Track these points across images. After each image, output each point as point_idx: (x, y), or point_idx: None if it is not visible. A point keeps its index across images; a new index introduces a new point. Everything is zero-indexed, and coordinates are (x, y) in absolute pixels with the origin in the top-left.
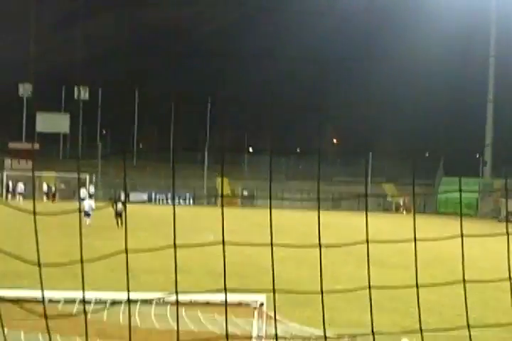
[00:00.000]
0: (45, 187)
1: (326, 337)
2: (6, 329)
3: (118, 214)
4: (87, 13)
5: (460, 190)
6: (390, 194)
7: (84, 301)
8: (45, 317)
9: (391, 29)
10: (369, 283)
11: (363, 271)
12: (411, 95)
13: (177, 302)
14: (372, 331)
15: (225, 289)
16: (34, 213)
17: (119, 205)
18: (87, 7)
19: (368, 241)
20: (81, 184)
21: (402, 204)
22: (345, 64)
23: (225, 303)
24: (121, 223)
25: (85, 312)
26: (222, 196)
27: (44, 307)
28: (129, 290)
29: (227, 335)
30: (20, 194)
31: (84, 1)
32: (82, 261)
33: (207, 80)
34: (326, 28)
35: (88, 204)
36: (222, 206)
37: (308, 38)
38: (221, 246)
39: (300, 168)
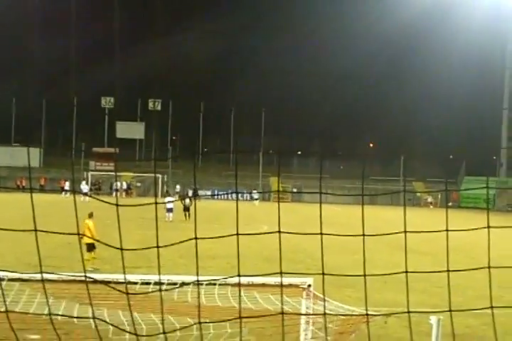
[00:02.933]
0: (124, 185)
1: (367, 314)
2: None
3: (186, 209)
4: (160, 33)
5: (487, 187)
6: (420, 191)
7: (160, 283)
8: (128, 294)
9: (420, 46)
10: (406, 267)
11: (394, 256)
12: (437, 105)
13: (239, 284)
14: (408, 310)
15: (281, 272)
16: (117, 206)
17: (187, 201)
18: (159, 26)
19: (405, 232)
20: (155, 183)
21: (429, 200)
22: (380, 79)
23: (281, 285)
24: (189, 216)
25: (160, 292)
26: (278, 191)
27: (126, 287)
28: (198, 273)
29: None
30: (116, 190)
31: (159, 20)
32: (157, 248)
33: (261, 92)
34: (364, 48)
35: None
36: (279, 201)
37: (347, 55)
38: (275, 235)
39: (341, 168)
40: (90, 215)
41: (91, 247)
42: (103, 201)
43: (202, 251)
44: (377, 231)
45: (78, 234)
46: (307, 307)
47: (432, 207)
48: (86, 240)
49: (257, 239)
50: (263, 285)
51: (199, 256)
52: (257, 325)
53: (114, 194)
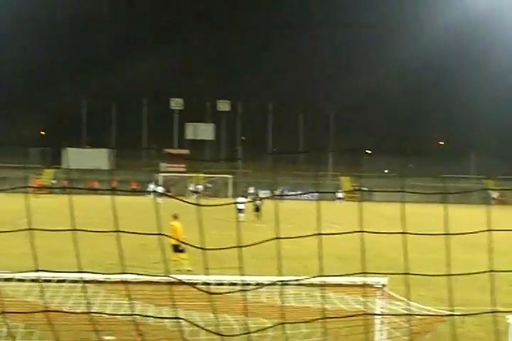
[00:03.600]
0: (198, 186)
1: (452, 315)
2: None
3: (257, 209)
4: (230, 34)
5: None
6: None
7: (242, 284)
8: (210, 293)
9: (492, 40)
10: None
11: (468, 255)
12: (509, 101)
13: (322, 284)
14: (492, 310)
15: (364, 273)
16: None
17: (258, 201)
18: (229, 30)
19: (489, 230)
20: (225, 183)
21: (495, 197)
22: (450, 76)
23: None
24: (259, 217)
25: (244, 292)
26: (360, 191)
27: (208, 288)
28: (279, 275)
29: (373, 313)
30: (194, 192)
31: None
32: (240, 248)
33: (329, 93)
34: (435, 45)
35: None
36: (360, 202)
37: (420, 52)
38: (347, 235)
39: (412, 167)
40: (175, 217)
41: (178, 249)
42: (185, 201)
43: (273, 252)
44: (451, 230)
45: (159, 234)
46: (382, 307)
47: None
48: (172, 241)
49: (329, 238)
50: (337, 285)
51: (271, 256)
52: (332, 325)
53: (192, 195)
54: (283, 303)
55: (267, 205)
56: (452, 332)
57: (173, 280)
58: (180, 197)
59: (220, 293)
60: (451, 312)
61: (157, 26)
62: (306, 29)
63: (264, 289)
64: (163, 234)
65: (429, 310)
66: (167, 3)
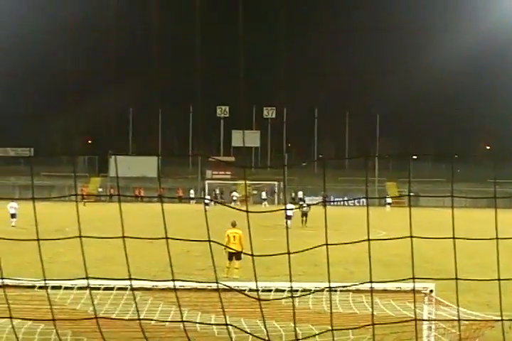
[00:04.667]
0: (237, 194)
1: (502, 319)
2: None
3: (303, 215)
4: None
5: None
6: None
7: (291, 291)
8: (259, 300)
9: None
10: None
11: None
12: None
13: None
14: None
15: (413, 278)
16: (247, 212)
17: (305, 208)
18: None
19: None
20: (272, 190)
21: None
22: (495, 80)
23: (414, 292)
24: (306, 222)
25: (293, 298)
26: (409, 195)
27: (258, 294)
28: (329, 281)
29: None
30: (234, 201)
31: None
32: (289, 254)
33: (374, 96)
34: (482, 49)
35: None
36: (410, 208)
37: (465, 55)
38: (395, 241)
39: (459, 172)
40: (234, 224)
41: (237, 257)
42: (235, 208)
43: (319, 258)
44: (499, 235)
45: (211, 240)
46: (429, 313)
47: None
48: (231, 249)
49: (375, 244)
50: (384, 290)
51: (315, 262)
52: (379, 332)
53: (233, 202)
54: (331, 310)
55: (314, 211)
56: (501, 337)
57: (221, 286)
58: (228, 205)
59: (268, 300)
60: (499, 318)
61: (205, 29)
62: (348, 34)
63: (311, 296)
64: (215, 242)
65: (476, 316)
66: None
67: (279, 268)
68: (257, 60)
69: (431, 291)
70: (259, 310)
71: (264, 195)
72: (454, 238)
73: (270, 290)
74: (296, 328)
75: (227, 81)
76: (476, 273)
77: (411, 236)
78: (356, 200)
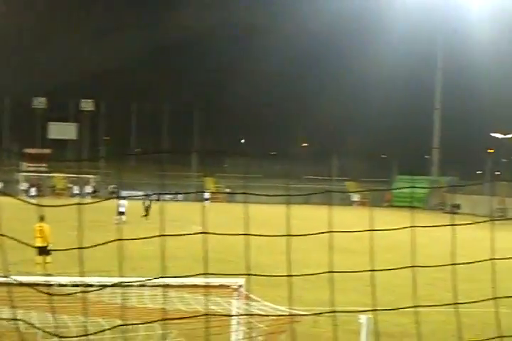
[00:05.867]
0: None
1: (292, 315)
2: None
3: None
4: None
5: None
6: (352, 190)
7: (85, 285)
8: (50, 294)
9: (353, 45)
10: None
11: (326, 256)
12: (370, 104)
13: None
14: (334, 310)
15: (207, 273)
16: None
17: (123, 202)
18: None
19: (331, 231)
20: (86, 183)
21: (355, 199)
22: (313, 79)
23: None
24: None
25: (84, 293)
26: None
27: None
28: (121, 274)
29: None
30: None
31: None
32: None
33: (194, 91)
34: (298, 46)
35: (122, 203)
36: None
37: (284, 55)
38: (206, 236)
39: (275, 168)
40: (42, 218)
41: (44, 251)
42: (26, 201)
43: (134, 252)
44: (308, 231)
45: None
46: (238, 308)
47: (357, 205)
48: (38, 243)
49: (190, 240)
50: (194, 286)
51: (131, 256)
52: (188, 326)
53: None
54: (133, 305)
55: (130, 206)
56: (309, 332)
57: (11, 281)
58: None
59: (61, 295)
60: (306, 313)
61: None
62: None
63: (119, 290)
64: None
65: (283, 311)
66: None
67: (93, 264)
68: (77, 51)
69: (240, 286)
70: (67, 304)
71: (75, 188)
72: (247, 234)
73: (66, 285)
74: (105, 323)
75: (45, 71)
76: (286, 268)
77: (203, 232)
78: (174, 195)
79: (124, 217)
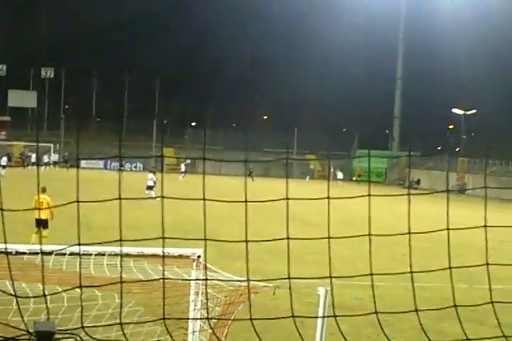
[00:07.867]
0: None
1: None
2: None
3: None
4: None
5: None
6: (312, 163)
7: (41, 252)
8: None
9: (313, 19)
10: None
11: (284, 228)
12: (330, 77)
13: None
14: (289, 277)
15: (163, 237)
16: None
17: (151, 175)
18: None
19: (287, 199)
20: (46, 151)
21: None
22: (275, 53)
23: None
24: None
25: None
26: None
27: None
28: (80, 243)
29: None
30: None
31: None
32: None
33: (155, 59)
34: (260, 26)
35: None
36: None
37: (245, 32)
38: (169, 206)
39: (235, 140)
40: (44, 190)
41: (44, 224)
42: None
43: (93, 222)
44: (268, 203)
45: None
46: (197, 278)
47: (308, 179)
48: (37, 215)
49: (149, 209)
50: (153, 255)
51: (90, 226)
52: (148, 296)
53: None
54: (91, 273)
55: (90, 175)
56: (268, 303)
57: None
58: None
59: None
60: (264, 284)
61: None
62: None
63: (78, 258)
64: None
65: (242, 282)
66: None
67: (54, 231)
68: (37, 17)
69: (199, 257)
70: (24, 272)
71: (33, 157)
72: (204, 200)
73: (37, 253)
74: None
75: (7, 39)
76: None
77: (162, 197)
78: (133, 166)
79: (153, 192)
